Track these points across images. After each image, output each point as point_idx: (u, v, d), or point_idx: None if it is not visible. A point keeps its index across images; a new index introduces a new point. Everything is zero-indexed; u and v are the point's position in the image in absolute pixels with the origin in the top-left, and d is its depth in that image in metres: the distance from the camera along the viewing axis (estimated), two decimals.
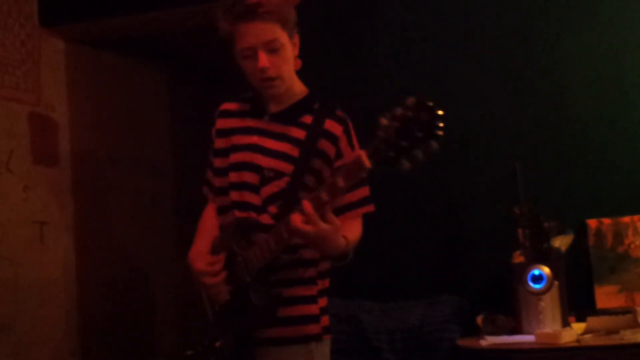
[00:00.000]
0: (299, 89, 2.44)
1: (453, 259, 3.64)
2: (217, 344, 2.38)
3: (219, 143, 2.45)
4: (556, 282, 3.12)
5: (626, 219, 3.39)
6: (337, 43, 3.91)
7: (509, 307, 3.21)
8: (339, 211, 2.31)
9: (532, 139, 3.61)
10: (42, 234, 4.13)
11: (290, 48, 2.37)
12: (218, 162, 2.44)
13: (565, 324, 3.11)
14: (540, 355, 2.93)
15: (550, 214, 3.27)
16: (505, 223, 3.35)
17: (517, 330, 3.16)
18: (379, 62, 3.84)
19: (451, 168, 3.67)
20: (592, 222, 3.43)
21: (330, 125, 2.34)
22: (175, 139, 5.21)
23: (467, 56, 3.72)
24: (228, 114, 2.48)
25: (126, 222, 4.73)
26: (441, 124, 1.84)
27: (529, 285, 3.13)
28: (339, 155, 2.33)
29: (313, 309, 2.35)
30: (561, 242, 3.27)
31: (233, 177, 2.37)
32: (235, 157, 2.38)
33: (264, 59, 2.29)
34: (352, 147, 2.37)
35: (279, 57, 2.32)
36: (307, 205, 2.08)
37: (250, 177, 2.34)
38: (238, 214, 2.35)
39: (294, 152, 2.32)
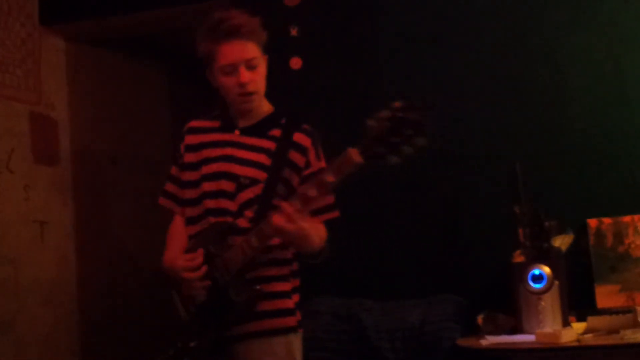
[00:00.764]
0: (267, 106, 2.62)
1: (453, 258, 3.64)
2: (192, 344, 2.47)
3: (189, 157, 2.63)
4: (556, 282, 3.12)
5: (626, 219, 3.39)
6: (337, 43, 3.91)
7: (510, 307, 3.21)
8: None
9: (532, 138, 3.61)
10: (42, 233, 4.13)
11: (264, 66, 2.57)
12: (188, 176, 2.61)
13: (566, 323, 3.11)
14: (541, 355, 2.93)
15: (551, 214, 3.27)
16: (506, 222, 3.35)
17: (517, 330, 3.15)
18: (378, 62, 3.84)
19: (451, 167, 3.67)
20: (592, 222, 3.43)
21: (299, 137, 2.53)
22: (175, 138, 5.20)
23: (467, 56, 3.72)
24: (196, 131, 2.66)
25: (126, 221, 4.73)
26: (428, 123, 2.04)
27: (530, 285, 3.13)
28: (308, 165, 2.51)
29: (289, 303, 2.52)
30: (561, 242, 3.27)
31: (208, 186, 2.54)
32: (210, 168, 2.55)
33: (245, 75, 2.48)
34: (318, 158, 2.55)
35: (257, 73, 2.52)
36: (286, 206, 2.25)
37: (226, 185, 2.50)
38: (213, 220, 2.50)
39: (267, 161, 2.50)
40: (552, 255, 3.20)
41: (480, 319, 3.29)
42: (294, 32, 3.91)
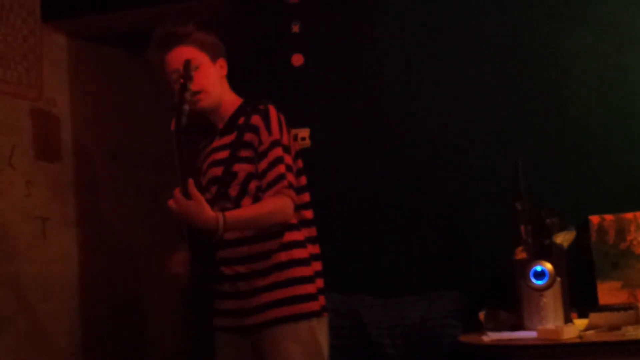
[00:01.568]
0: (235, 102, 2.76)
1: (455, 254, 3.63)
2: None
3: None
4: (558, 278, 3.11)
5: (629, 215, 3.38)
6: (339, 40, 3.91)
7: (511, 303, 3.21)
8: (261, 191, 2.60)
9: (534, 135, 3.61)
10: (44, 230, 4.13)
11: (212, 68, 2.72)
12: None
13: (568, 320, 3.10)
14: (542, 351, 2.92)
15: (553, 210, 3.26)
16: (508, 219, 3.35)
17: (519, 326, 3.15)
18: (380, 59, 3.83)
19: (453, 164, 3.67)
20: (594, 218, 3.42)
21: (255, 119, 2.66)
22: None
23: (469, 52, 3.72)
24: (204, 148, 2.85)
25: (128, 218, 4.73)
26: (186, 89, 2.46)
27: (531, 281, 3.13)
28: (260, 142, 2.62)
29: (311, 288, 2.60)
30: (563, 238, 3.26)
31: (208, 195, 2.70)
32: (204, 180, 2.76)
33: None
34: (270, 133, 2.62)
35: (199, 73, 2.63)
36: (176, 192, 2.48)
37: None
38: None
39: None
40: (554, 252, 3.19)
41: (481, 315, 3.29)
42: (295, 29, 3.91)
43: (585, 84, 3.58)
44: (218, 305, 2.70)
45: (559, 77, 3.61)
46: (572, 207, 3.44)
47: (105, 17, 4.28)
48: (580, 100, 3.58)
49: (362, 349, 3.40)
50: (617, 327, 2.95)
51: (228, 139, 2.69)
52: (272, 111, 2.66)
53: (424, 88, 3.75)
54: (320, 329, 2.61)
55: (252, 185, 2.62)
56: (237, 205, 2.61)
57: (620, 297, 3.32)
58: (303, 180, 2.74)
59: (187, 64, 2.50)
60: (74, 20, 4.31)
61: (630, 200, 3.43)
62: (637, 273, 3.33)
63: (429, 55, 3.76)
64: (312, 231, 2.71)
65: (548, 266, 3.12)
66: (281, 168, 2.59)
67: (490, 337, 3.06)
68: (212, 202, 2.57)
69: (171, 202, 2.48)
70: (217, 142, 2.74)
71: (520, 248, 3.26)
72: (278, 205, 2.57)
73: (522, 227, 3.27)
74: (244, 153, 2.64)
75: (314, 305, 2.58)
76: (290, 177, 2.60)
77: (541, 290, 3.11)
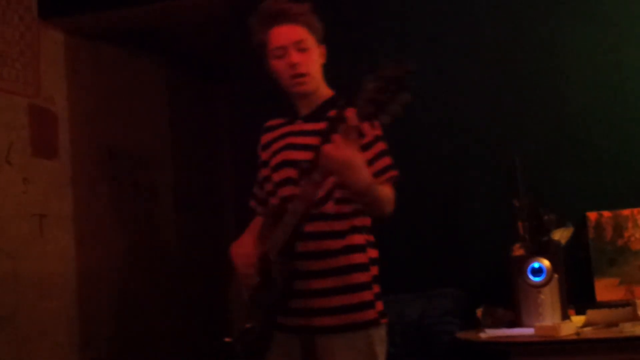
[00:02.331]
0: (327, 92, 2.63)
1: (453, 252, 3.64)
2: (247, 325, 2.50)
3: (263, 155, 2.66)
4: (556, 275, 3.12)
5: (626, 212, 3.39)
6: (340, 38, 3.90)
7: (509, 300, 3.21)
8: None
9: (531, 131, 3.61)
10: (41, 227, 4.13)
11: (317, 52, 2.57)
12: (263, 172, 2.65)
13: (565, 316, 3.11)
14: (540, 348, 2.93)
15: (550, 207, 3.27)
16: (505, 216, 3.35)
17: (516, 323, 3.15)
18: (380, 57, 3.83)
19: (451, 161, 3.67)
20: (592, 215, 3.42)
21: (351, 112, 2.34)
22: (174, 132, 5.20)
23: (467, 50, 3.72)
24: (269, 129, 2.68)
25: (125, 215, 4.73)
26: (409, 78, 2.05)
27: (529, 278, 3.13)
28: (362, 135, 2.37)
29: (368, 295, 2.46)
30: (561, 235, 3.27)
31: (276, 177, 2.55)
32: (275, 160, 2.57)
33: (294, 55, 2.50)
34: (373, 126, 2.45)
35: (308, 56, 2.53)
36: (337, 137, 2.20)
37: (290, 173, 2.50)
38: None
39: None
40: (551, 249, 3.20)
41: (479, 312, 3.29)
42: None
43: (583, 81, 3.58)
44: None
45: (557, 75, 3.61)
46: (569, 204, 3.45)
47: (102, 14, 4.27)
48: (578, 97, 3.58)
49: None
50: (614, 324, 2.96)
51: (313, 126, 2.51)
52: None
53: (422, 85, 3.74)
54: (378, 337, 2.47)
55: None
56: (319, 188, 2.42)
57: (618, 294, 3.33)
58: None
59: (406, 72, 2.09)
60: (71, 18, 4.31)
61: (628, 196, 3.43)
62: (635, 269, 3.34)
63: (427, 53, 3.76)
64: (370, 236, 2.60)
65: (545, 263, 3.12)
66: (387, 160, 2.51)
67: (488, 334, 3.06)
68: (292, 183, 2.47)
69: (328, 147, 2.20)
70: (298, 127, 2.57)
71: (517, 245, 3.26)
72: (391, 194, 2.50)
73: (520, 224, 3.28)
74: None
75: (371, 314, 2.46)
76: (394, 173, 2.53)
77: (539, 287, 3.11)
